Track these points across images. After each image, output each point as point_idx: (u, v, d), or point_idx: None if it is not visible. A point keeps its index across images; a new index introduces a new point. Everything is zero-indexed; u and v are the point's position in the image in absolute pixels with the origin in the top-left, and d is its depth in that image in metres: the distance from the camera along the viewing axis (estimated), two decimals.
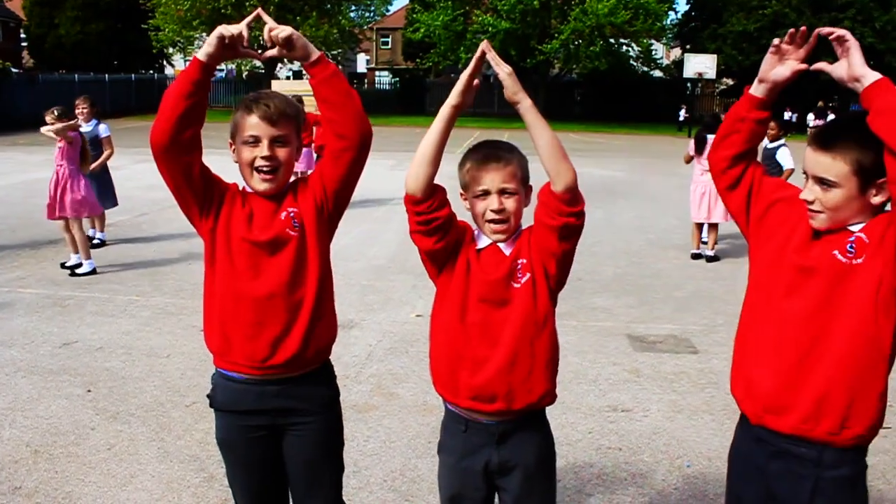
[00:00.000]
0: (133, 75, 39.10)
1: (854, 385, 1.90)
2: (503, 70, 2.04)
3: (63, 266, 7.55)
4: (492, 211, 2.13)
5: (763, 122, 2.10)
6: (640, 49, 37.24)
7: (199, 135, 2.23)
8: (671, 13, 38.22)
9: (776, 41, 2.00)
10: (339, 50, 41.86)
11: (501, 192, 2.13)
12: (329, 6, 39.54)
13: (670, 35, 41.21)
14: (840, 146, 1.91)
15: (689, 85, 36.42)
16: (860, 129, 1.87)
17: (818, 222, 1.96)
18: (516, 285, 2.15)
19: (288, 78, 45.93)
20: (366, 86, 53.58)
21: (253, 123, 2.23)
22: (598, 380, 4.95)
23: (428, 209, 2.13)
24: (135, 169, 15.10)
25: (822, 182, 1.93)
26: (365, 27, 45.16)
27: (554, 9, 35.25)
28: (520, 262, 2.16)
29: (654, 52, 38.91)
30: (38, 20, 41.71)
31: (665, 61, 43.03)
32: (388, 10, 44.79)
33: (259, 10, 2.29)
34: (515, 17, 34.07)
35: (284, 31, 2.18)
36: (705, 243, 8.77)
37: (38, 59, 42.57)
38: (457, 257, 2.20)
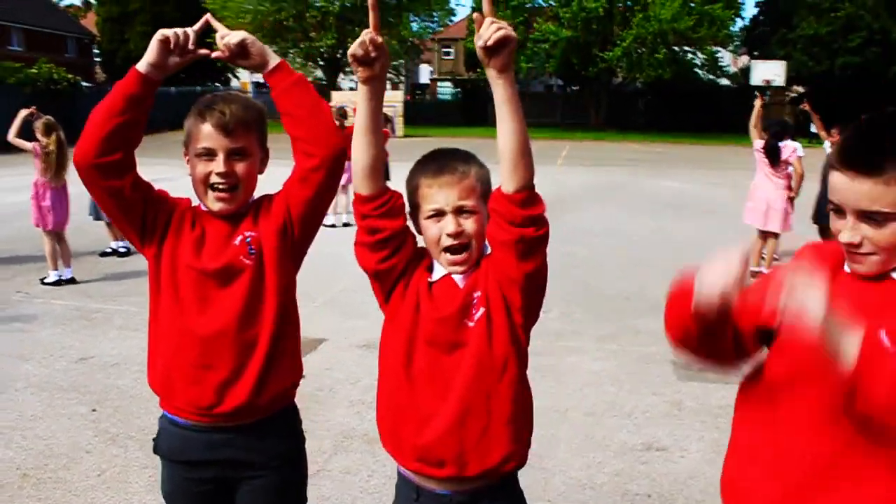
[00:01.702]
0: (198, 87, 39.87)
1: None
2: (507, 31, 1.61)
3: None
4: (448, 235, 1.74)
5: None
6: (704, 56, 36.26)
7: (130, 156, 1.92)
8: (737, 20, 37.17)
9: None
10: (401, 61, 41.98)
11: (458, 210, 1.75)
12: (391, 18, 39.67)
13: (737, 42, 40.05)
14: (889, 161, 1.39)
15: (756, 93, 35.25)
16: None
17: (868, 266, 1.46)
18: (470, 324, 1.75)
19: (351, 89, 46.36)
20: (427, 97, 53.59)
21: (206, 133, 1.92)
22: (634, 413, 4.50)
23: (374, 210, 1.78)
24: (186, 181, 15.02)
25: (871, 217, 1.42)
26: (426, 38, 45.15)
27: (616, 15, 34.60)
28: (474, 294, 1.76)
29: (719, 60, 37.85)
30: (110, 36, 43.31)
31: (732, 69, 41.81)
32: (451, 21, 44.73)
33: (208, 15, 1.99)
34: (577, 26, 33.55)
35: (236, 36, 1.90)
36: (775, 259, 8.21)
37: (109, 73, 43.99)
38: (407, 288, 1.82)
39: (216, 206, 1.96)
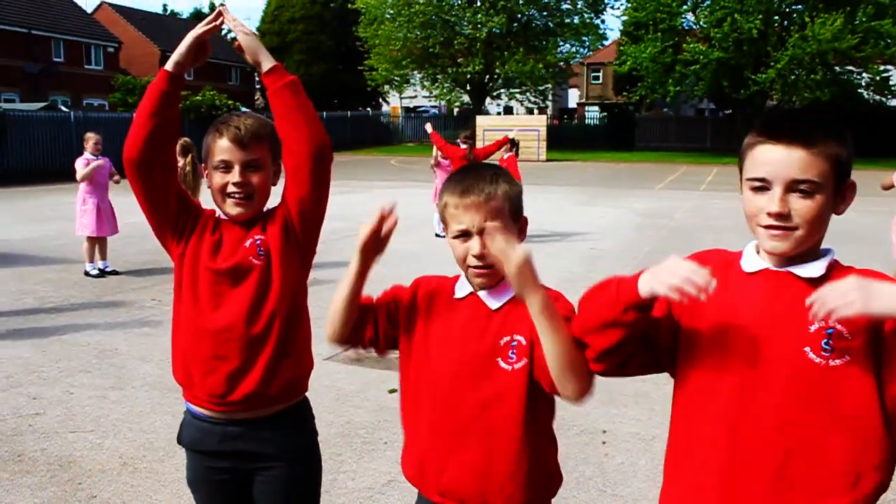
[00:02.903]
0: (349, 112, 41.70)
1: None
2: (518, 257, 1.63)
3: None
4: (473, 256, 1.75)
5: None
6: (870, 76, 33.90)
7: (173, 153, 2.12)
8: None
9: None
10: (548, 85, 42.06)
11: (484, 231, 1.75)
12: (537, 42, 39.92)
13: None
14: (822, 138, 1.43)
15: None
16: (832, 120, 1.45)
17: (789, 243, 1.46)
18: (504, 366, 1.74)
19: (498, 114, 46.96)
20: (576, 121, 53.36)
21: (223, 147, 2.08)
22: None
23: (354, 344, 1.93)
24: (330, 200, 15.66)
25: (801, 187, 1.44)
26: (572, 62, 45.02)
27: (772, 35, 33.06)
28: (516, 337, 1.75)
29: (890, 79, 35.27)
30: None
31: None
32: (602, 45, 44.40)
33: (222, 7, 2.14)
34: (728, 47, 32.32)
35: (239, 33, 2.07)
36: None
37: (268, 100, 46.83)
38: (412, 334, 1.88)
39: (234, 211, 2.11)
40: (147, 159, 2.03)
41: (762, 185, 1.47)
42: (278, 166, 2.17)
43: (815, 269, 1.49)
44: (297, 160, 2.04)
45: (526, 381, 1.72)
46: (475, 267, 1.76)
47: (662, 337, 1.59)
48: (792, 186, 1.45)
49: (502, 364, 1.73)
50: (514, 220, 1.78)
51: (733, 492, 1.47)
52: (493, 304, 1.78)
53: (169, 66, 2.04)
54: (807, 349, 1.43)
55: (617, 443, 4.24)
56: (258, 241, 2.09)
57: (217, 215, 2.19)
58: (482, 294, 1.80)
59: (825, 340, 1.43)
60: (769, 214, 1.45)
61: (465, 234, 1.76)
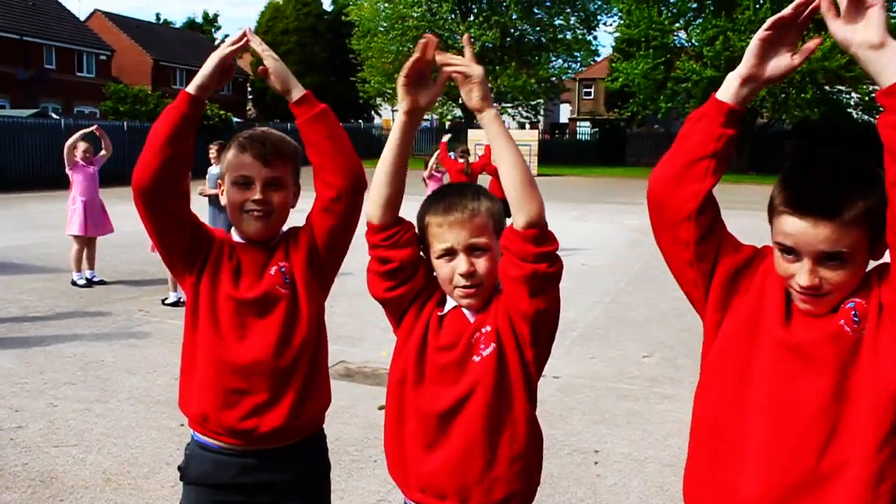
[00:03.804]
0: (341, 124, 41.62)
1: None
2: (475, 71, 1.66)
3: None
4: (460, 275, 1.72)
5: (734, 143, 1.51)
6: (859, 95, 34.19)
7: (188, 180, 2.01)
8: None
9: (775, 19, 1.40)
10: (540, 100, 42.20)
11: (470, 249, 1.73)
12: (530, 57, 40.07)
13: None
14: (851, 211, 1.36)
15: None
16: (865, 184, 1.38)
17: (821, 307, 1.44)
18: (476, 359, 1.73)
19: None
20: (567, 136, 53.53)
21: (245, 163, 1.98)
22: None
23: (384, 241, 1.79)
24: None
25: (832, 259, 1.40)
26: (564, 77, 45.21)
27: None
28: (483, 330, 1.74)
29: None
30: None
31: None
32: (594, 61, 44.63)
33: (247, 28, 2.03)
34: (720, 65, 32.56)
35: (267, 58, 1.97)
36: None
37: (260, 110, 46.81)
38: (418, 317, 1.82)
39: (252, 227, 2.01)
40: (161, 189, 1.91)
41: (791, 251, 1.43)
42: (298, 187, 2.10)
43: None
44: (334, 193, 1.97)
45: (495, 366, 1.72)
46: (462, 287, 1.73)
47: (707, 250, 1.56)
48: (822, 257, 1.41)
49: (475, 359, 1.74)
50: (498, 237, 1.76)
51: (777, 464, 1.44)
52: (474, 317, 1.79)
53: (191, 88, 1.93)
54: (841, 321, 1.42)
55: (609, 463, 4.18)
56: (283, 269, 2.01)
57: (232, 239, 2.09)
58: (466, 312, 1.79)
59: (853, 313, 1.42)
60: (801, 286, 1.43)
61: (450, 253, 1.74)
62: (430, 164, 11.70)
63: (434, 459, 1.75)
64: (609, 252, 11.98)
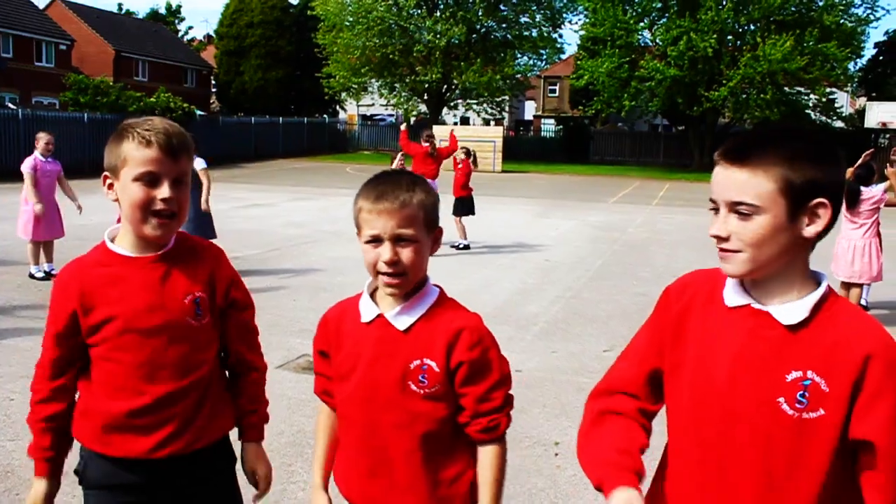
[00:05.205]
0: (305, 119, 41.42)
1: None
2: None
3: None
4: (384, 262, 1.73)
5: None
6: (817, 97, 34.91)
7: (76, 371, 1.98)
8: (857, 60, 35.61)
9: None
10: (505, 97, 42.30)
11: (396, 239, 1.72)
12: (496, 54, 40.15)
13: (856, 82, 38.38)
14: (760, 158, 1.39)
15: (872, 136, 33.64)
16: (787, 140, 1.40)
17: (735, 266, 1.43)
18: (416, 390, 1.76)
19: (455, 124, 46.97)
20: (532, 133, 53.75)
21: (151, 157, 1.82)
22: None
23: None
24: (285, 207, 15.78)
25: (739, 208, 1.41)
26: (530, 75, 45.36)
27: (725, 55, 33.86)
28: (426, 362, 1.76)
29: (835, 101, 36.34)
30: (227, 68, 45.80)
31: (849, 110, 40.11)
32: (559, 58, 44.86)
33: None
34: (684, 65, 32.99)
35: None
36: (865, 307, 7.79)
37: (225, 103, 46.34)
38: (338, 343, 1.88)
39: (156, 233, 1.88)
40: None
41: (714, 207, 1.46)
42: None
43: (796, 311, 1.41)
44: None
45: (438, 405, 1.76)
46: (385, 273, 1.73)
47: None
48: (732, 208, 1.42)
49: (413, 387, 1.75)
50: (429, 230, 1.77)
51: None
52: (402, 324, 1.77)
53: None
54: (780, 400, 1.39)
55: (569, 455, 4.24)
56: (197, 300, 1.94)
57: (105, 260, 1.93)
58: (389, 315, 1.78)
59: (801, 393, 1.37)
60: (710, 235, 1.45)
61: (376, 240, 1.73)
62: (395, 164, 11.67)
63: (374, 486, 1.86)
64: (571, 248, 12.09)
